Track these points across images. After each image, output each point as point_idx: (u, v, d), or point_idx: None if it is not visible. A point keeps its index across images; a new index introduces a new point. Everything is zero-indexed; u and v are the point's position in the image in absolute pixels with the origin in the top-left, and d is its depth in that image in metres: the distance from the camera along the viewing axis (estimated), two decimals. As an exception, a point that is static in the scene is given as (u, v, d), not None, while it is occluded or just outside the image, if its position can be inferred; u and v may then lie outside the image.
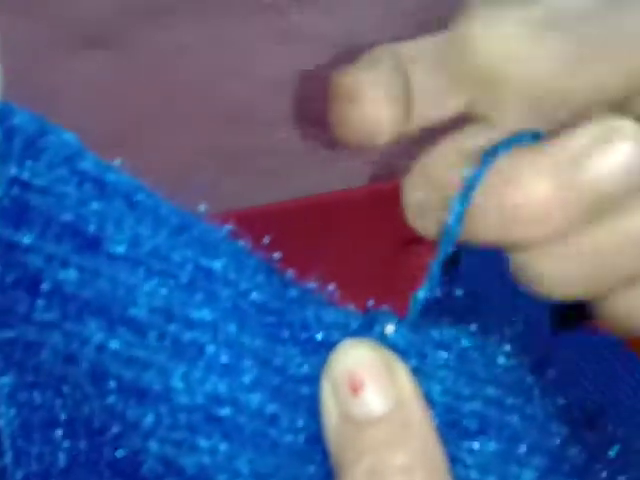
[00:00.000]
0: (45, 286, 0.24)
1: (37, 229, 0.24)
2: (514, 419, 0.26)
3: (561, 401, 0.27)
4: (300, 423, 0.25)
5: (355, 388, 0.24)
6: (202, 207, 0.26)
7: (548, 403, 0.27)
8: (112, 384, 0.24)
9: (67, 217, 0.24)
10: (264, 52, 0.60)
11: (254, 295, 0.25)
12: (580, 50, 0.26)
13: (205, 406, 0.24)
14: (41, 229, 0.24)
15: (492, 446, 0.25)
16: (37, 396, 0.25)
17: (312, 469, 0.25)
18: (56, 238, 0.24)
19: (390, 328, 0.25)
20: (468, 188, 0.26)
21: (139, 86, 0.60)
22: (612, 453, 0.28)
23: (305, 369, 0.25)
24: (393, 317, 0.26)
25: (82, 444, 0.25)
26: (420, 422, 0.24)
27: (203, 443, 0.24)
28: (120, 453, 0.25)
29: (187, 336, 0.24)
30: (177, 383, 0.24)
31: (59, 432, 0.25)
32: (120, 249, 0.24)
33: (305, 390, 0.25)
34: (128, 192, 0.25)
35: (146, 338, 0.24)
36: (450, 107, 0.28)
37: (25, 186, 0.24)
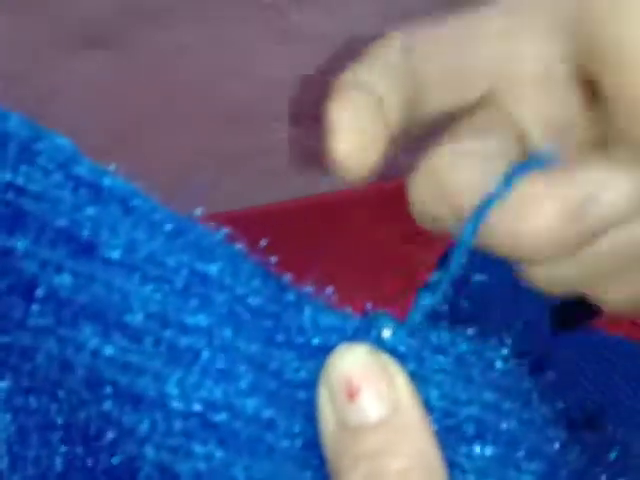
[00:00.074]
0: (40, 291, 0.24)
1: (32, 234, 0.24)
2: (512, 424, 0.25)
3: (560, 405, 0.27)
4: (297, 428, 0.25)
5: (352, 394, 0.24)
6: (198, 210, 0.26)
7: (546, 407, 0.26)
8: (107, 390, 0.24)
9: (62, 222, 0.24)
10: (264, 52, 0.60)
11: (250, 299, 0.25)
12: None
13: (201, 412, 0.24)
14: (36, 234, 0.24)
15: (490, 451, 0.25)
16: (33, 401, 0.25)
17: (309, 475, 0.25)
18: (51, 243, 0.24)
19: (387, 332, 0.25)
20: (483, 208, 0.25)
21: (139, 86, 0.60)
22: (612, 456, 0.28)
23: (302, 374, 0.25)
24: (390, 320, 0.25)
25: (78, 449, 0.25)
26: (418, 427, 0.24)
27: (199, 449, 0.24)
28: (116, 459, 0.25)
29: (182, 342, 0.24)
30: (172, 389, 0.24)
31: (55, 437, 0.25)
32: (115, 254, 0.24)
33: (302, 395, 0.25)
34: (123, 197, 0.25)
35: (141, 344, 0.24)
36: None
37: (19, 191, 0.24)
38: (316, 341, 0.25)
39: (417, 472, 0.23)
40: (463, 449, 0.25)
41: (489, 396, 0.26)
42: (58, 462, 0.25)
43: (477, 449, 0.25)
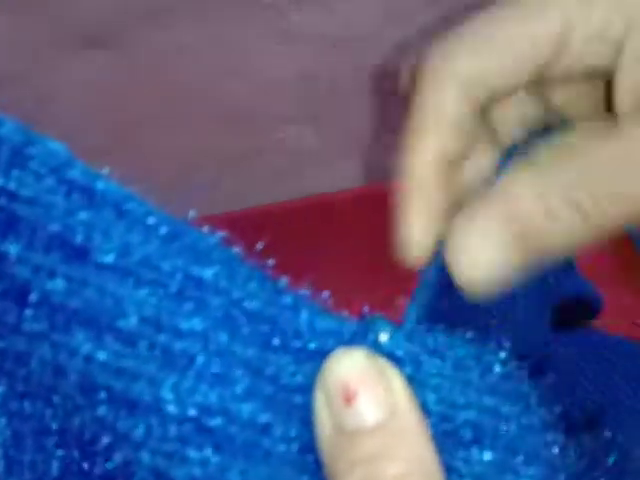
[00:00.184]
0: (33, 296, 0.24)
1: (24, 239, 0.24)
2: (510, 428, 0.25)
3: (559, 408, 0.26)
4: (293, 432, 0.24)
5: (348, 398, 0.24)
6: (193, 212, 0.26)
7: (545, 411, 0.26)
8: (102, 395, 0.24)
9: (55, 227, 0.24)
10: (264, 52, 0.60)
11: (246, 303, 0.25)
12: None
13: (196, 417, 0.24)
14: (28, 239, 0.24)
15: (488, 455, 0.25)
16: (28, 406, 0.25)
17: (305, 479, 0.25)
18: (44, 248, 0.24)
19: (384, 336, 0.25)
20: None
21: (139, 86, 0.60)
22: (610, 460, 0.28)
23: (298, 378, 0.25)
24: (387, 324, 0.25)
25: (74, 453, 0.25)
26: (415, 431, 0.24)
27: (194, 454, 0.24)
28: (111, 464, 0.24)
29: (177, 346, 0.24)
30: (167, 394, 0.24)
31: (51, 441, 0.25)
32: (108, 259, 0.24)
33: (298, 399, 0.25)
34: (117, 201, 0.25)
35: (136, 348, 0.24)
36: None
37: (12, 196, 0.24)
38: (313, 345, 0.25)
39: (414, 477, 0.23)
40: (461, 454, 0.25)
41: (487, 400, 0.25)
42: (54, 466, 0.25)
43: (475, 454, 0.25)
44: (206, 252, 0.25)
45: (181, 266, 0.24)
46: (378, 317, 0.25)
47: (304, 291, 0.26)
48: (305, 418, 0.24)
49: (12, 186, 0.24)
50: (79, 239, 0.24)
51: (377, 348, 0.25)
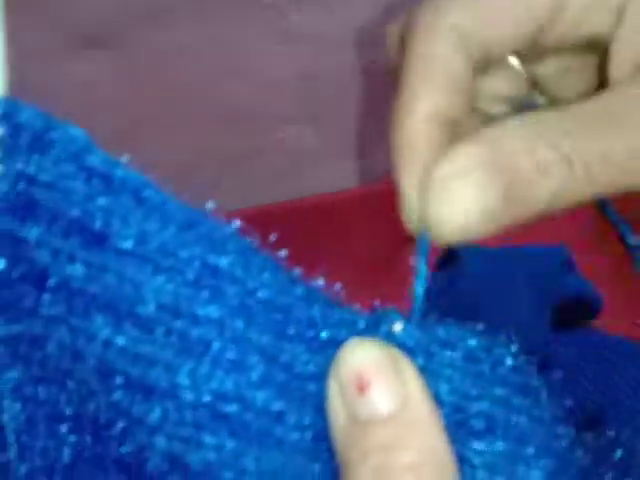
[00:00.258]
0: (52, 281, 0.24)
1: (44, 224, 0.24)
2: (521, 419, 0.25)
3: (569, 402, 0.27)
4: (306, 421, 0.25)
5: (362, 387, 0.24)
6: (209, 205, 0.26)
7: (555, 405, 0.26)
8: (118, 380, 0.24)
9: (74, 212, 0.24)
10: (264, 52, 0.60)
11: (261, 292, 0.25)
12: None
13: (211, 403, 0.24)
14: (48, 224, 0.24)
15: (499, 446, 0.25)
16: (42, 391, 0.25)
17: (318, 467, 0.25)
18: (63, 233, 0.24)
19: (398, 326, 0.25)
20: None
21: (139, 86, 0.60)
22: (617, 455, 0.28)
23: (312, 367, 0.25)
24: (400, 316, 0.25)
25: (87, 439, 0.25)
26: (428, 421, 0.24)
27: (209, 440, 0.24)
28: (125, 449, 0.25)
29: (194, 333, 0.24)
30: (183, 380, 0.24)
31: (64, 427, 0.25)
32: (127, 245, 0.24)
33: (312, 388, 0.25)
34: (136, 188, 0.25)
35: (153, 334, 0.24)
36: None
37: (31, 181, 0.24)
38: (326, 335, 0.25)
39: (427, 466, 0.23)
40: (472, 444, 0.25)
41: (499, 392, 0.26)
42: (66, 453, 0.25)
43: (487, 444, 0.25)
44: (222, 241, 0.25)
45: (198, 254, 0.25)
46: (390, 310, 0.26)
47: (317, 283, 0.26)
48: (318, 407, 0.25)
49: (32, 171, 0.24)
50: (98, 225, 0.24)
51: (390, 339, 0.25)
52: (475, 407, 0.25)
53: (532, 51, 0.29)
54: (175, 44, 0.58)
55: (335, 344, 0.25)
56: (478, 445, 0.25)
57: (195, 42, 0.58)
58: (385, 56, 0.31)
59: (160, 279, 0.24)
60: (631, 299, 0.54)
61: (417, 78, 0.28)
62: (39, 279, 0.24)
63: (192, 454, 0.24)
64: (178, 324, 0.24)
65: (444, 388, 0.25)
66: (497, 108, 0.31)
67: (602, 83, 0.29)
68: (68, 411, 0.25)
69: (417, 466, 0.23)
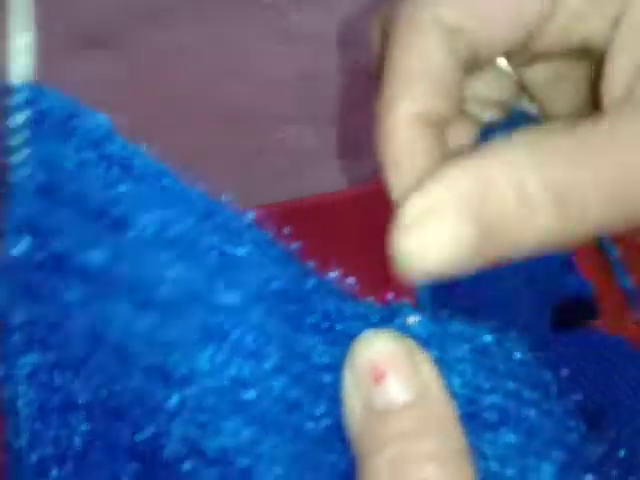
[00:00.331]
0: (72, 266, 0.24)
1: (65, 210, 0.24)
2: (532, 413, 0.26)
3: (578, 396, 0.27)
4: (321, 411, 0.25)
5: (378, 378, 0.23)
6: (226, 196, 0.26)
7: (565, 399, 0.27)
8: (137, 365, 0.24)
9: (95, 199, 0.24)
10: (264, 52, 0.60)
11: (277, 282, 0.25)
12: None
13: (230, 389, 0.24)
14: (69, 210, 0.24)
15: (511, 438, 0.25)
16: (57, 377, 0.25)
17: (333, 457, 0.25)
18: (84, 219, 0.24)
19: (413, 319, 0.25)
20: None
21: (139, 86, 0.60)
22: (621, 453, 0.28)
23: (327, 358, 0.25)
24: (413, 309, 0.26)
25: (101, 427, 0.25)
26: (444, 411, 0.24)
27: (227, 426, 0.24)
28: (140, 437, 0.25)
29: (213, 319, 0.24)
30: (203, 365, 0.24)
31: (76, 415, 0.25)
32: (147, 232, 0.24)
33: (327, 379, 0.25)
34: (156, 176, 0.25)
35: (173, 320, 0.24)
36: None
37: (54, 167, 0.24)
38: (341, 327, 0.25)
39: (444, 456, 0.23)
40: (485, 436, 0.25)
41: (510, 385, 0.26)
42: (78, 441, 0.25)
43: (499, 437, 0.25)
44: (239, 231, 0.26)
45: (217, 243, 0.25)
46: (404, 303, 0.26)
47: (331, 275, 0.26)
48: (333, 397, 0.25)
49: (54, 157, 0.25)
50: (119, 211, 0.24)
51: (404, 331, 0.25)
52: (487, 400, 0.25)
53: (522, 54, 0.27)
54: (175, 44, 0.58)
55: (350, 336, 0.25)
56: (491, 437, 0.25)
57: (195, 42, 0.58)
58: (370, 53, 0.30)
59: (180, 266, 0.24)
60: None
61: (399, 75, 0.26)
62: (59, 264, 0.24)
63: (209, 440, 0.24)
64: (198, 310, 0.24)
65: (457, 381, 0.25)
66: (487, 112, 0.30)
67: (592, 91, 0.28)
68: (82, 399, 0.25)
69: (435, 455, 0.23)
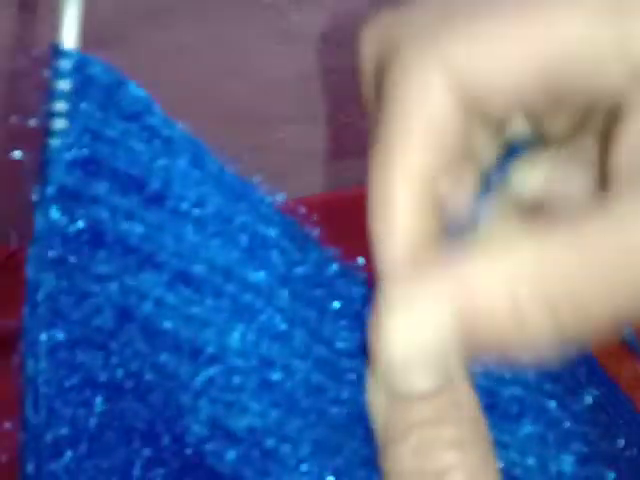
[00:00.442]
0: (108, 238, 0.24)
1: (104, 180, 0.24)
2: (552, 405, 0.26)
3: (595, 392, 0.27)
4: (345, 396, 0.25)
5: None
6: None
7: (584, 394, 0.27)
8: (167, 341, 0.24)
9: (135, 171, 0.24)
10: (264, 52, 0.60)
11: (305, 266, 0.25)
12: None
13: (258, 369, 0.24)
14: (109, 181, 0.24)
15: (532, 429, 0.25)
16: (80, 354, 0.25)
17: (355, 444, 0.25)
18: (123, 191, 0.24)
19: None
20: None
21: (139, 86, 0.60)
22: (620, 444, 0.29)
23: (352, 343, 0.25)
24: None
25: (117, 409, 0.25)
26: (468, 398, 0.24)
27: (254, 406, 0.24)
28: (161, 418, 0.24)
29: (244, 298, 0.24)
30: (234, 344, 0.24)
31: (96, 395, 0.25)
32: (184, 206, 0.24)
33: (350, 364, 0.25)
34: (194, 152, 0.25)
35: (205, 296, 0.24)
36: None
37: (97, 136, 0.24)
38: (366, 313, 0.25)
39: (468, 442, 0.23)
40: (506, 426, 0.25)
41: (531, 377, 0.26)
42: (93, 422, 0.25)
43: (519, 427, 0.25)
44: (269, 213, 0.26)
45: (250, 222, 0.25)
46: None
47: (356, 264, 0.27)
48: (356, 383, 0.25)
49: (98, 126, 0.24)
50: (157, 185, 0.24)
51: None
52: (508, 391, 0.26)
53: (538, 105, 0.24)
54: (175, 44, 0.58)
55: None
56: (511, 427, 0.25)
57: (195, 42, 0.58)
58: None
59: (215, 242, 0.24)
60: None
61: (402, 124, 0.23)
62: (96, 235, 0.24)
63: (236, 419, 0.24)
64: (229, 288, 0.24)
65: (477, 372, 0.25)
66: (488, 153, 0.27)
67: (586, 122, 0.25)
68: (102, 377, 0.25)
69: (459, 441, 0.23)
